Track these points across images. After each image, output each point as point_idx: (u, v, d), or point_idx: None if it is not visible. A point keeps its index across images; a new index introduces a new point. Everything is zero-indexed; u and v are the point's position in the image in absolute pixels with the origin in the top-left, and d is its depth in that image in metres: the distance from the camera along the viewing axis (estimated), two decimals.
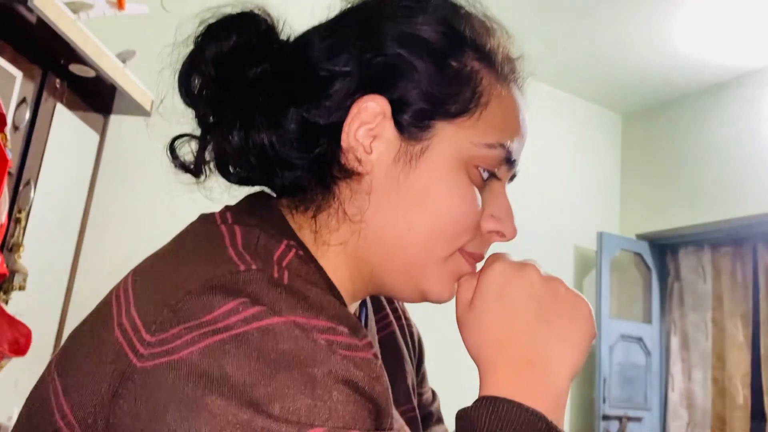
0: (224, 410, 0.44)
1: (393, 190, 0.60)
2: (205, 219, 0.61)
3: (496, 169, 0.62)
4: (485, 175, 0.61)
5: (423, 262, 0.60)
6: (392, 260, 0.61)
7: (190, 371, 0.45)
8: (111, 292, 0.55)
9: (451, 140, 0.59)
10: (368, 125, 0.59)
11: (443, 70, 0.59)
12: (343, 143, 0.59)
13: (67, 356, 0.55)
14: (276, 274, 0.51)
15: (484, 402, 0.51)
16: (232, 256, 0.52)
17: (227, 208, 0.62)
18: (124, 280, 0.55)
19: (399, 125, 0.59)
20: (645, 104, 4.46)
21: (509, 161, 0.62)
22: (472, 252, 0.62)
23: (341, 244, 0.61)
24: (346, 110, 0.59)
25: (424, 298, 0.63)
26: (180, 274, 0.51)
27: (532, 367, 0.54)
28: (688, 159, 4.18)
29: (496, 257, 0.61)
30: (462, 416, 0.52)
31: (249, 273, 0.50)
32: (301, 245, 0.59)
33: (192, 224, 0.62)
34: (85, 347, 0.52)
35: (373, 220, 0.60)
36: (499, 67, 0.63)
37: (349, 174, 0.60)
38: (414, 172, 0.59)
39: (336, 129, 0.59)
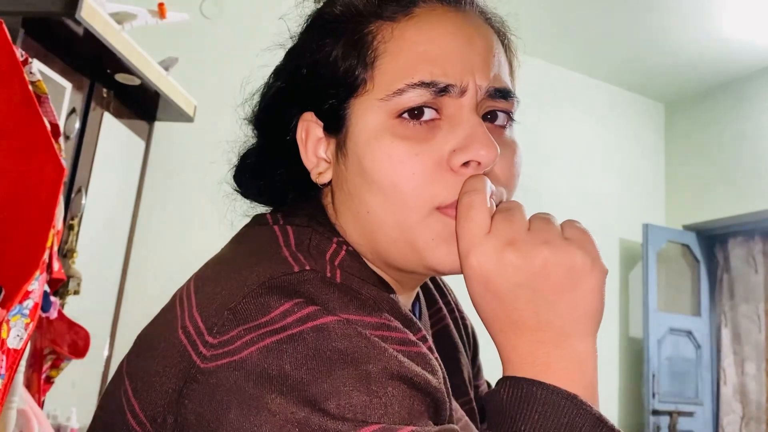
0: (283, 408, 0.45)
1: (344, 184, 0.61)
2: (259, 220, 0.63)
3: (432, 107, 0.57)
4: (423, 117, 0.57)
5: (401, 236, 0.58)
6: (383, 245, 0.60)
7: (250, 371, 0.47)
8: (174, 296, 0.58)
9: (362, 113, 0.59)
10: (310, 140, 0.63)
11: (316, 68, 0.62)
12: (306, 165, 0.64)
13: (135, 358, 0.57)
14: (329, 273, 0.53)
15: (507, 382, 0.50)
16: (287, 257, 0.54)
17: (277, 208, 0.65)
18: (187, 283, 0.58)
19: (324, 127, 0.63)
20: (688, 92, 4.36)
21: (439, 90, 0.57)
22: (454, 201, 0.56)
23: (356, 240, 0.62)
24: (294, 139, 0.64)
25: (434, 270, 0.59)
26: (238, 277, 0.53)
27: (545, 345, 0.50)
28: (734, 146, 4.08)
29: (472, 243, 0.52)
30: (488, 399, 0.51)
31: (303, 273, 0.52)
32: (346, 242, 0.60)
33: (247, 226, 0.64)
34: (152, 349, 0.54)
35: (353, 215, 0.61)
36: (381, 11, 0.60)
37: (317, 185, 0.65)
38: (347, 159, 0.60)
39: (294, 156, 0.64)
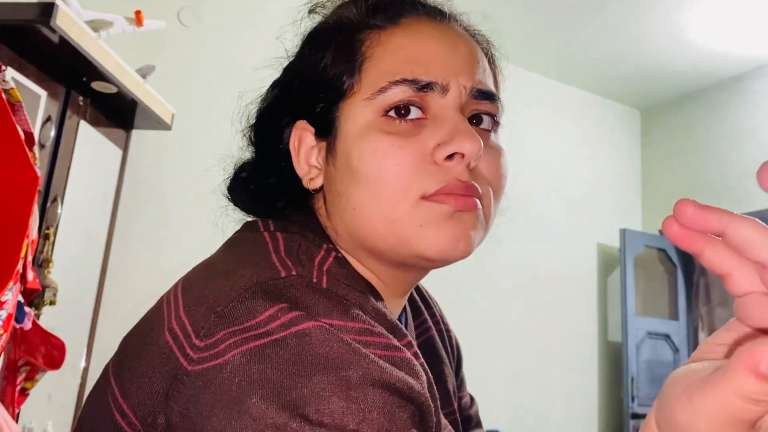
0: (263, 413, 0.45)
1: (333, 185, 0.63)
2: (250, 227, 0.64)
3: (417, 107, 0.59)
4: (410, 115, 0.59)
5: (389, 229, 0.58)
6: (371, 241, 0.60)
7: (233, 373, 0.47)
8: (162, 298, 0.58)
9: (350, 113, 0.61)
10: (303, 148, 0.65)
11: (308, 75, 0.65)
12: (298, 172, 0.65)
13: (122, 360, 0.57)
14: (315, 279, 0.53)
15: None
16: (275, 262, 0.54)
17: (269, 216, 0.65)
18: (175, 286, 0.58)
19: (316, 132, 0.64)
20: (663, 99, 4.42)
21: (421, 87, 0.59)
22: (440, 188, 0.57)
23: (346, 242, 0.63)
24: (287, 147, 0.66)
25: (428, 259, 0.59)
26: (227, 281, 0.53)
27: None
28: (710, 152, 4.14)
29: None
30: None
31: (289, 279, 0.52)
32: (336, 248, 0.61)
33: (238, 232, 0.65)
34: (139, 351, 0.54)
35: (341, 215, 0.62)
36: (370, 21, 0.63)
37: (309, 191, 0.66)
38: (336, 159, 0.62)
39: (288, 163, 0.66)
